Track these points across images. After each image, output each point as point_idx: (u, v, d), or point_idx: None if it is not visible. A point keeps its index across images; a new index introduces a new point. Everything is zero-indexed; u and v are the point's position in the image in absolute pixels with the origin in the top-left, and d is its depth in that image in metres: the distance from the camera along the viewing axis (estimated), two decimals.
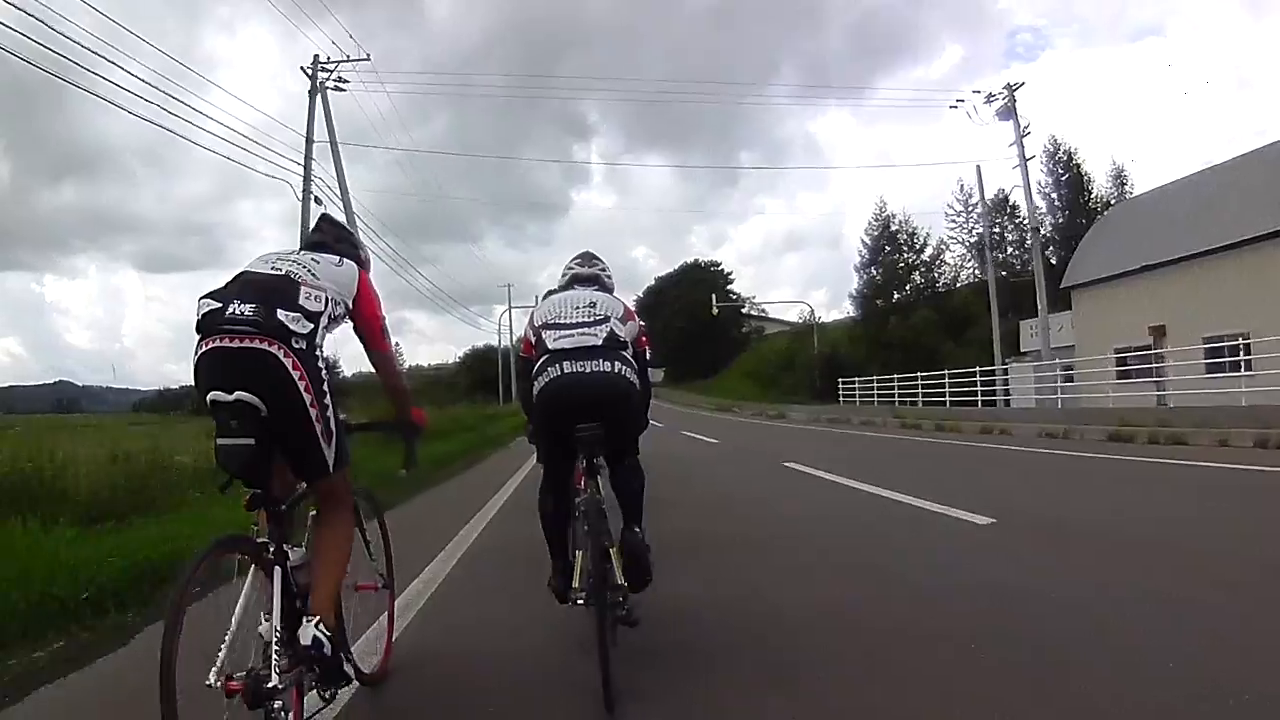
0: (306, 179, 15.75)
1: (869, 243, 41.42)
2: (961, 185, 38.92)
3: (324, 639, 1.80)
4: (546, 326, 2.58)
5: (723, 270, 78.61)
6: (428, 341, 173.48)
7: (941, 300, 39.18)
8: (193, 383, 1.85)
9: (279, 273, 1.96)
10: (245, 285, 1.89)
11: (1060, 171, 37.26)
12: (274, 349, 1.79)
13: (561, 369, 2.45)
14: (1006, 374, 22.64)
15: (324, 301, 1.95)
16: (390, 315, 2.29)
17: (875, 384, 25.88)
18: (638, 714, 2.08)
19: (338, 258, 2.18)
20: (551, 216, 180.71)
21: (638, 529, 2.62)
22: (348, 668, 1.99)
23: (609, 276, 3.04)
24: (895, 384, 24.24)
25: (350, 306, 2.10)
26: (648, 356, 3.07)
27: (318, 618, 1.83)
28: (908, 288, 39.94)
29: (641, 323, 2.84)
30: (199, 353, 1.81)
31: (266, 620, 1.72)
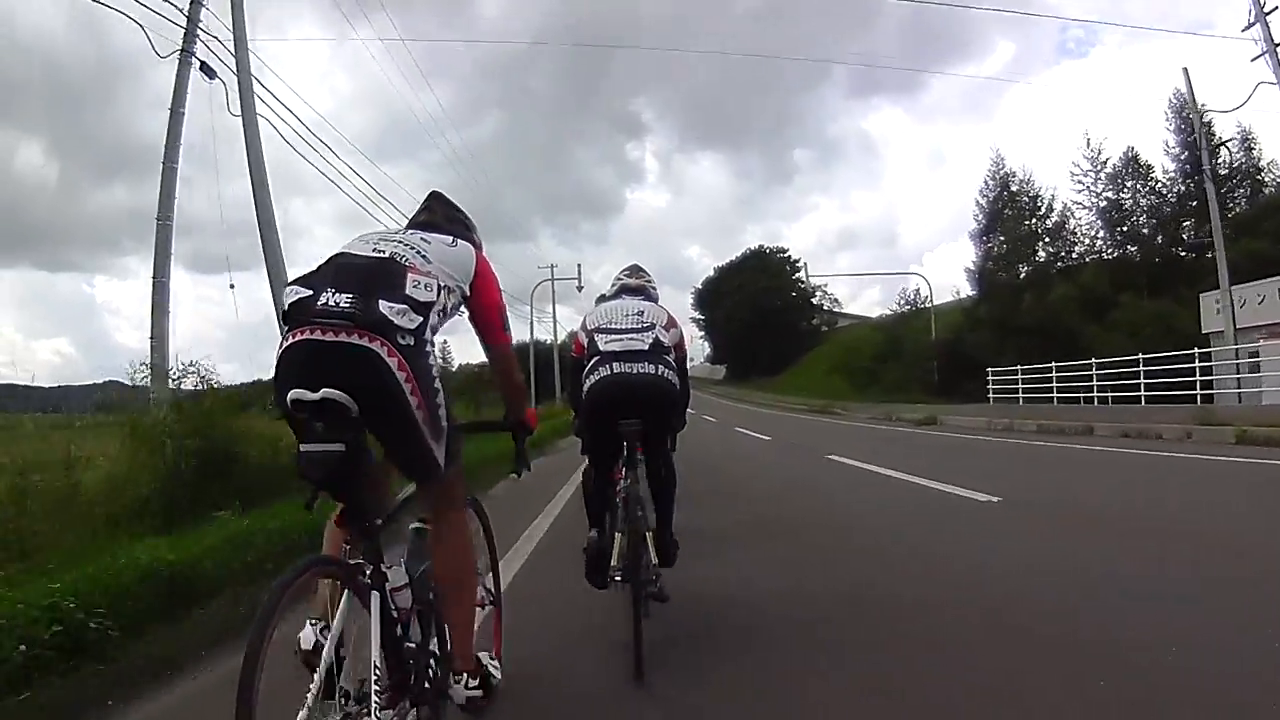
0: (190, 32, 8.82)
1: (985, 206, 34.35)
2: (1088, 141, 31.66)
3: (478, 699, 1.72)
4: (599, 331, 2.80)
5: (789, 257, 71.40)
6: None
7: (1073, 276, 32.11)
8: (273, 380, 1.58)
9: (381, 255, 1.71)
10: (341, 270, 1.64)
11: (1188, 132, 29.77)
12: (375, 345, 1.53)
13: (611, 369, 2.69)
14: (1251, 358, 15.94)
15: (435, 290, 1.68)
16: None
17: (1054, 376, 19.08)
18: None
19: (450, 238, 1.91)
20: (606, 215, 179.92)
21: (670, 531, 2.91)
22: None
23: (654, 287, 3.30)
24: (1094, 375, 17.49)
25: (467, 293, 1.86)
26: (687, 360, 3.29)
27: (465, 675, 1.73)
28: (1037, 259, 32.76)
29: (680, 329, 3.08)
30: (283, 346, 1.56)
31: (355, 653, 1.49)
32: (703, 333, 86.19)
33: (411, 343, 1.58)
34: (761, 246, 72.94)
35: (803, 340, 64.21)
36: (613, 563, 2.79)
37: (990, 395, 22.00)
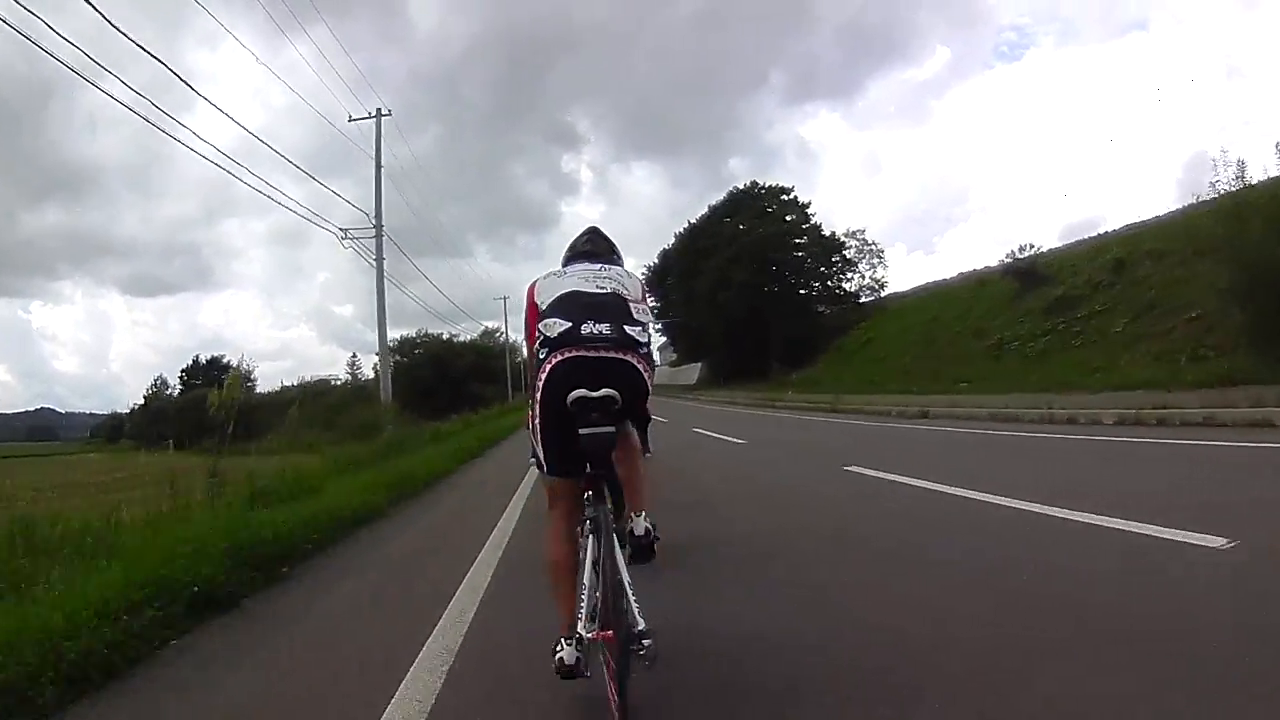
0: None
1: None
2: None
3: (652, 527, 2.41)
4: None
5: (795, 200, 48.17)
6: None
7: None
8: (539, 389, 2.25)
9: (606, 292, 2.38)
10: (590, 307, 2.30)
11: None
12: (631, 359, 2.26)
13: None
14: None
15: (648, 314, 2.44)
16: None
17: None
18: None
19: (627, 273, 2.57)
20: (541, 229, 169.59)
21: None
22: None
23: None
24: None
25: None
26: None
27: (644, 512, 2.45)
28: None
29: None
30: (556, 361, 2.23)
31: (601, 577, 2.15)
32: (659, 325, 58.61)
33: (646, 352, 2.34)
34: (754, 184, 49.59)
35: (835, 316, 41.47)
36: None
37: None
